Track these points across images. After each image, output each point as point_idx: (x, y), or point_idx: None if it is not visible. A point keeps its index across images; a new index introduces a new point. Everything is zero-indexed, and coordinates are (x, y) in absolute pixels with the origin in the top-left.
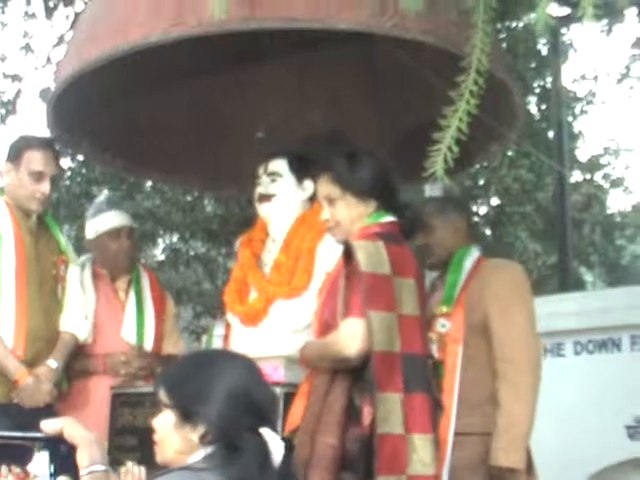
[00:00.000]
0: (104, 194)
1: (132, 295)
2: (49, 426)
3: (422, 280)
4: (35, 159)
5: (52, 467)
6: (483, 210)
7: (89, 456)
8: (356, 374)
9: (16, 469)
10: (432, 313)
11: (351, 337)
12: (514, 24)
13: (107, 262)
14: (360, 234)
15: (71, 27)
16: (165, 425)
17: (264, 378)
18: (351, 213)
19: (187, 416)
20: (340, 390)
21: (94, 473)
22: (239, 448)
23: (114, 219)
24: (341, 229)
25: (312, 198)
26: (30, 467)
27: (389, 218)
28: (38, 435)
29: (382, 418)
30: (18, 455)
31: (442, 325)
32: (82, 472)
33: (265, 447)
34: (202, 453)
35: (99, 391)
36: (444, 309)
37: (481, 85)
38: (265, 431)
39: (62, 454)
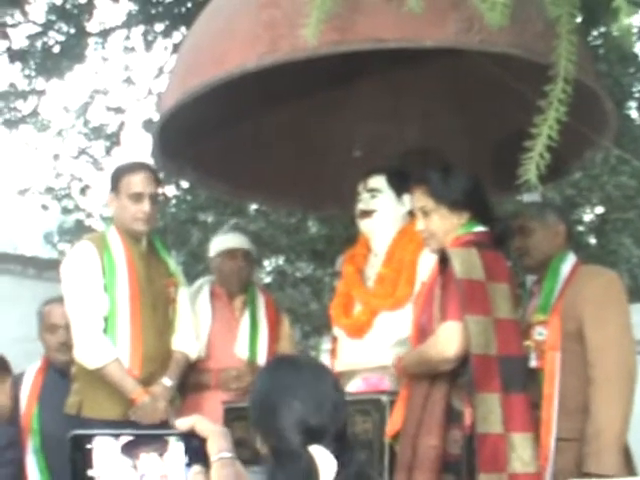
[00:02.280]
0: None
1: (247, 314)
2: (183, 423)
3: (515, 285)
4: (132, 182)
5: (187, 458)
6: (586, 218)
7: (217, 445)
8: (454, 378)
9: (155, 457)
10: (529, 321)
11: (449, 339)
12: (607, 30)
13: (223, 281)
14: (454, 243)
15: (170, 58)
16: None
17: (330, 395)
18: (445, 224)
19: (253, 427)
20: (440, 394)
21: (222, 459)
22: (283, 465)
23: (231, 240)
24: (435, 240)
25: (412, 212)
26: (166, 456)
27: (481, 228)
28: (173, 431)
29: (481, 418)
30: (155, 446)
31: (539, 333)
32: (212, 459)
33: (309, 465)
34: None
35: (212, 405)
36: (541, 317)
37: (569, 93)
38: (315, 449)
39: (194, 447)
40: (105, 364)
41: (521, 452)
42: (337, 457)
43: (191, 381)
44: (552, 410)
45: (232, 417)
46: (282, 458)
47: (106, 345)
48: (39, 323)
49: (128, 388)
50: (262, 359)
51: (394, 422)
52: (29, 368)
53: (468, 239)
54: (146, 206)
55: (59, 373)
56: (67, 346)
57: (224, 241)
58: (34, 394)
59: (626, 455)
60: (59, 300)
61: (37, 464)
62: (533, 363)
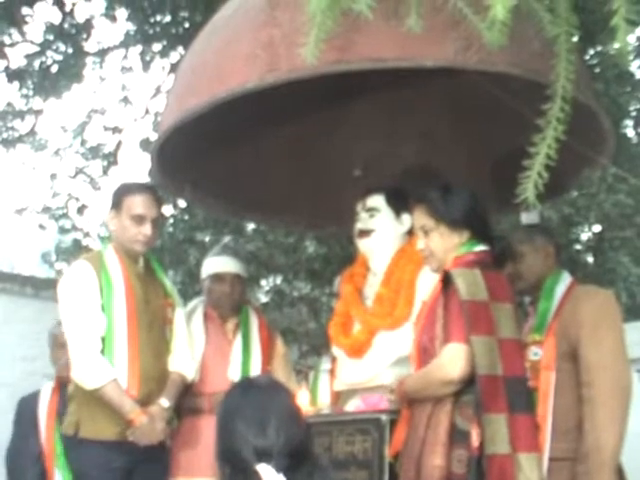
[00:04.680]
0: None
1: (239, 336)
2: None
3: (517, 305)
4: (135, 203)
5: None
6: (584, 237)
7: None
8: (457, 397)
9: None
10: (524, 341)
11: (454, 361)
12: (604, 49)
13: (214, 303)
14: (456, 262)
15: (167, 78)
16: None
17: (277, 416)
18: (445, 243)
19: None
20: (443, 414)
21: None
22: None
23: (221, 264)
24: (435, 258)
25: (410, 231)
26: None
27: (482, 247)
28: None
29: (488, 439)
30: None
31: (535, 353)
32: None
33: None
34: None
35: (209, 429)
36: (536, 337)
37: (568, 112)
38: (262, 467)
39: None
40: (103, 385)
41: (528, 472)
42: (290, 475)
43: (187, 404)
44: (546, 430)
45: None
46: (235, 477)
47: (104, 365)
48: (50, 343)
49: (126, 409)
50: None
51: (396, 442)
52: (44, 388)
53: (470, 259)
54: (147, 229)
55: None
56: None
57: (213, 264)
58: (52, 412)
59: (619, 474)
60: None
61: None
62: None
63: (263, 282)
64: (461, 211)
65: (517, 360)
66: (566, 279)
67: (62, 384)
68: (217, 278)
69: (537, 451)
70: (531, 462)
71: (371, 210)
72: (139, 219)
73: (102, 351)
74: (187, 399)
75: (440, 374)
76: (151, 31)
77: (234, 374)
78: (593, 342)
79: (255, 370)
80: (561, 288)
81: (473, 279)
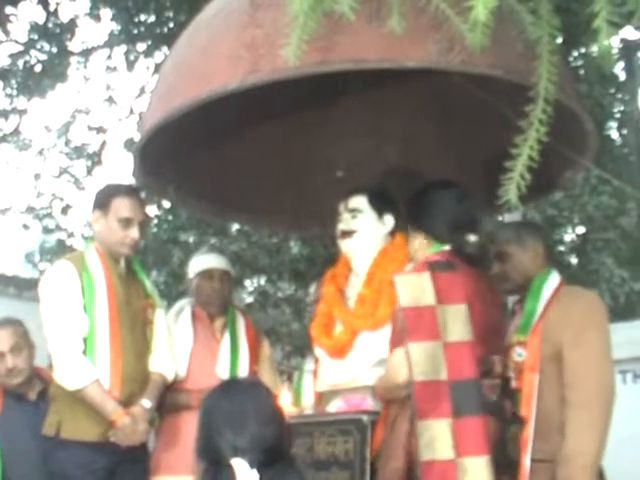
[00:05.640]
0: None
1: (227, 335)
2: None
3: (478, 304)
4: (123, 206)
5: None
6: (568, 238)
7: None
8: None
9: None
10: (509, 341)
11: (399, 365)
12: (588, 51)
13: (202, 302)
14: (419, 265)
15: (152, 78)
16: None
17: (256, 415)
18: (410, 243)
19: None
20: (405, 416)
21: None
22: (208, 474)
23: (209, 261)
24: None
25: (393, 232)
26: None
27: (448, 247)
28: None
29: (426, 445)
30: None
31: (519, 354)
32: None
33: (228, 476)
34: None
35: (190, 426)
36: (521, 338)
37: (550, 114)
38: (237, 462)
39: None
40: (85, 385)
41: (474, 475)
42: (263, 470)
43: (170, 402)
44: (529, 432)
45: None
46: (210, 471)
47: (86, 366)
48: None
49: (108, 409)
50: None
51: (375, 441)
52: None
53: (433, 259)
54: (135, 232)
55: (14, 398)
56: (16, 371)
57: (202, 262)
58: None
59: (600, 479)
60: (2, 324)
61: None
62: (512, 383)
63: (247, 283)
64: (418, 211)
65: (467, 363)
66: (555, 279)
67: (4, 392)
68: (206, 274)
69: (486, 453)
70: (477, 465)
71: (353, 211)
72: (127, 222)
73: (84, 352)
74: (173, 396)
75: (389, 377)
76: (135, 31)
77: (222, 372)
78: (578, 345)
79: (243, 369)
80: (549, 289)
81: (419, 283)
